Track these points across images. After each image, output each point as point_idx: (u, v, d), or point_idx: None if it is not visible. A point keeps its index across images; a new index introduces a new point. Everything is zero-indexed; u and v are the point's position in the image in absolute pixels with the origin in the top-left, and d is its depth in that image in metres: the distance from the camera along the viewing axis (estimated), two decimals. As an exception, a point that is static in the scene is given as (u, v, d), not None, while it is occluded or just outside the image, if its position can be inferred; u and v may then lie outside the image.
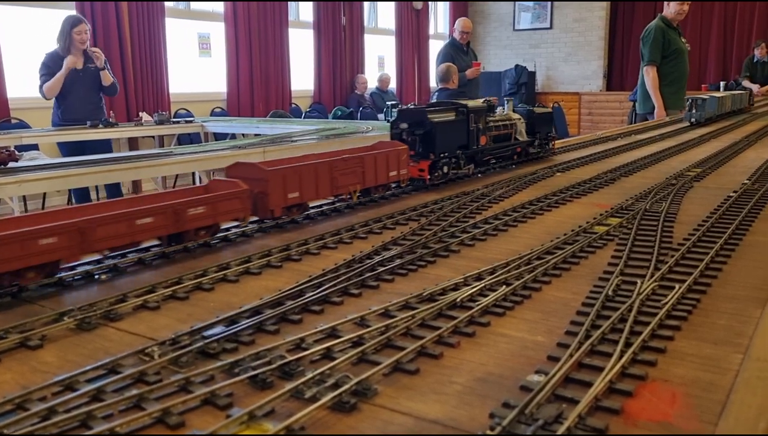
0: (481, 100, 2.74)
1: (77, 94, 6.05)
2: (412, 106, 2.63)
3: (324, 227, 1.83)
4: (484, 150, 2.66)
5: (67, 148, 5.89)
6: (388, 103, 9.35)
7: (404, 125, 2.39)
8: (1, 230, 1.22)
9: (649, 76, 6.72)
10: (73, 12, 7.84)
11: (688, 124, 5.11)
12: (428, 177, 2.37)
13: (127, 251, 1.54)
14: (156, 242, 1.57)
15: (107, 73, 6.17)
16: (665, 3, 6.71)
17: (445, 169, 2.43)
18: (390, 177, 2.18)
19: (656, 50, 6.64)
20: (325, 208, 2.04)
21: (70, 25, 5.90)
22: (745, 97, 6.70)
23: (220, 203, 1.60)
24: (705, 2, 13.41)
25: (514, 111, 2.97)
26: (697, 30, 13.24)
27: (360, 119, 9.16)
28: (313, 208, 2.01)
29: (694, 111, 5.10)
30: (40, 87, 5.86)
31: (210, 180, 1.75)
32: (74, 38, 5.88)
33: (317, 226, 1.88)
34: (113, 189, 5.98)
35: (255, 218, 1.83)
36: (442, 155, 2.40)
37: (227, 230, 1.75)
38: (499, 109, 2.90)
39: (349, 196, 2.05)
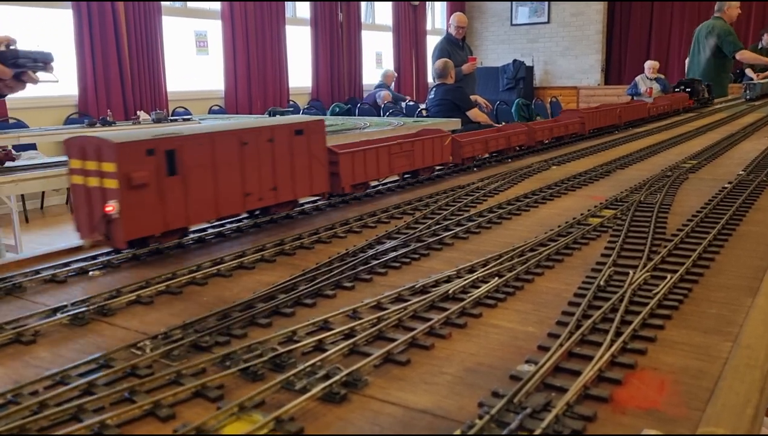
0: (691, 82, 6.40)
1: None
2: (686, 80, 6.34)
3: (319, 222, 1.84)
4: (701, 99, 6.13)
5: None
6: (385, 103, 9.35)
7: (681, 87, 5.97)
8: None
9: (747, 56, 8.69)
10: (69, 11, 7.84)
11: (744, 100, 7.38)
12: (692, 104, 5.80)
13: (120, 249, 1.55)
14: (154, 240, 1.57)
15: None
16: (725, 8, 8.50)
17: (696, 104, 5.90)
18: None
19: (738, 40, 8.52)
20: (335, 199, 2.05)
21: None
22: None
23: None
24: (697, 2, 13.42)
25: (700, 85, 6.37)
26: (690, 26, 13.25)
27: (358, 115, 9.15)
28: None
29: (747, 91, 7.50)
30: None
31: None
32: None
33: (312, 220, 1.88)
34: None
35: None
36: (695, 98, 5.92)
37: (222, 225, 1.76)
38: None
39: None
